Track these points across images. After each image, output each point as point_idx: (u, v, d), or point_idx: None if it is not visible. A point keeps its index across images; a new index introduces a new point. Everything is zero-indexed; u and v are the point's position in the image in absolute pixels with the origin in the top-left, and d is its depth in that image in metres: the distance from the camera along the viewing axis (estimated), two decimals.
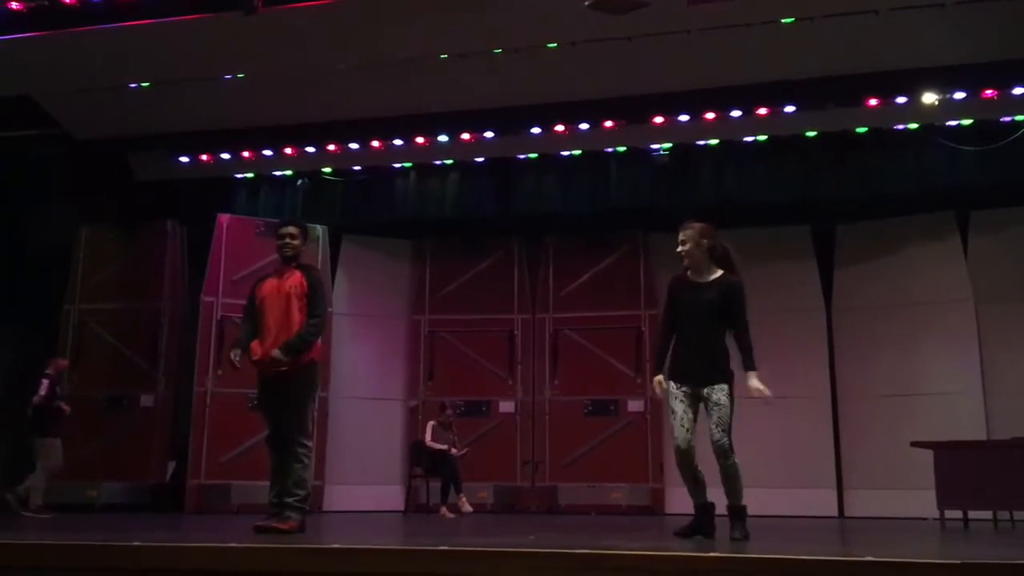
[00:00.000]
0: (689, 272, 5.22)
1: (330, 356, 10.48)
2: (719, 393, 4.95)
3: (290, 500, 5.35)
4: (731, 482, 5.00)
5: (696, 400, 5.02)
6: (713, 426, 4.92)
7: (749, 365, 5.04)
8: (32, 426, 8.59)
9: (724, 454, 4.91)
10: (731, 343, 5.12)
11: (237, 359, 5.50)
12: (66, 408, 8.76)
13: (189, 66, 9.17)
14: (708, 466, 5.09)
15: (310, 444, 5.54)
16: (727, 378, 5.01)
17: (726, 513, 5.08)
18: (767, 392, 4.95)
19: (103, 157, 10.72)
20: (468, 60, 9.04)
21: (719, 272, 5.19)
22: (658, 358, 5.32)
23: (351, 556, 3.72)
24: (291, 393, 5.39)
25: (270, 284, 5.57)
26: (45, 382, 8.60)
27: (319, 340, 5.57)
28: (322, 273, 5.78)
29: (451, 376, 11.17)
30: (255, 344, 5.45)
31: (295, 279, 5.51)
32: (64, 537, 4.32)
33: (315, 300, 5.49)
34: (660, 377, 5.16)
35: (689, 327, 5.11)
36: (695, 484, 5.09)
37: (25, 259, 11.11)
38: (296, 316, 5.42)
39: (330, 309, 5.67)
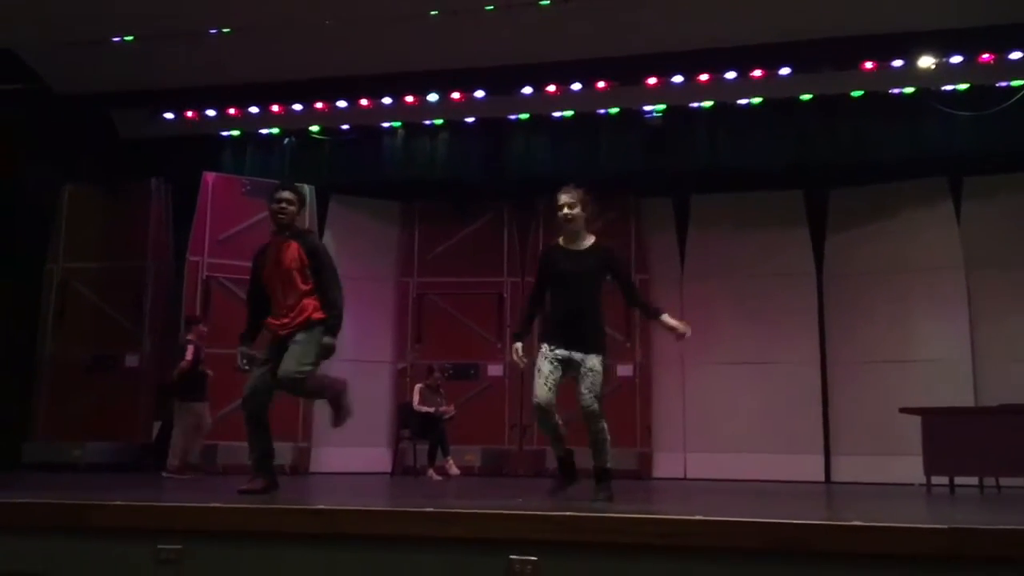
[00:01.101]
0: (562, 239, 5.20)
1: None
2: (594, 360, 4.98)
3: (256, 457, 5.33)
4: (599, 446, 5.09)
5: (567, 364, 5.02)
6: (585, 391, 4.95)
7: (656, 311, 5.13)
8: (177, 391, 8.64)
9: (594, 418, 4.97)
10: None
11: (245, 365, 5.40)
12: (210, 372, 8.84)
13: (174, 20, 8.98)
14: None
15: (304, 380, 5.29)
16: (602, 348, 5.05)
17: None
18: (683, 327, 5.01)
19: (87, 113, 10.54)
20: (459, 17, 8.88)
21: (592, 239, 5.18)
22: (523, 326, 5.32)
23: (336, 517, 3.68)
24: (297, 340, 5.20)
25: (270, 262, 5.36)
26: (190, 348, 8.62)
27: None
28: (316, 240, 5.57)
29: (439, 339, 11.12)
30: (270, 320, 5.34)
31: (292, 251, 5.30)
32: (46, 496, 4.27)
33: (320, 269, 5.31)
34: (519, 345, 5.17)
35: (567, 294, 5.11)
36: (557, 438, 5.18)
37: (7, 217, 10.95)
38: (302, 288, 5.27)
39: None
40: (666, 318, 5.05)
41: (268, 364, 5.28)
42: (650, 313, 5.19)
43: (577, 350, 5.00)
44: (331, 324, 5.23)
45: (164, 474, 8.37)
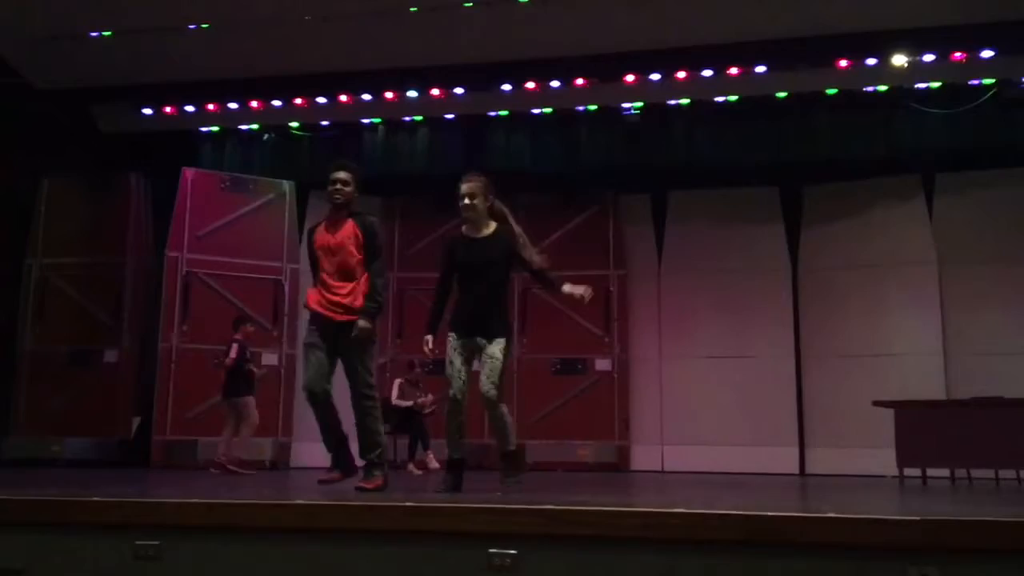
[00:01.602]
0: (464, 228, 5.28)
1: (297, 313, 10.42)
2: (495, 347, 5.06)
3: (371, 457, 5.24)
4: (501, 431, 5.19)
5: (473, 352, 5.14)
6: (484, 377, 5.04)
7: (559, 281, 5.25)
8: (225, 388, 8.69)
9: (493, 404, 5.05)
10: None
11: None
12: (255, 370, 8.94)
13: (153, 15, 8.94)
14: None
15: (376, 394, 5.34)
16: (506, 330, 5.14)
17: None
18: (585, 290, 5.14)
19: (66, 108, 10.48)
20: (438, 14, 8.91)
21: (494, 225, 5.26)
22: (432, 318, 5.34)
23: (314, 511, 3.70)
24: (355, 346, 5.15)
25: (323, 236, 5.33)
26: (235, 346, 8.65)
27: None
28: (375, 221, 5.49)
29: (420, 333, 11.09)
30: (313, 294, 5.28)
31: (348, 229, 5.28)
32: (25, 492, 4.27)
33: (372, 249, 5.27)
34: (429, 337, 5.21)
35: (469, 283, 5.19)
36: (459, 436, 5.22)
37: None
38: (355, 266, 5.24)
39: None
40: (567, 287, 5.17)
41: (324, 353, 5.18)
42: (553, 286, 5.29)
43: (480, 336, 5.09)
44: (370, 309, 5.19)
45: (212, 470, 8.44)
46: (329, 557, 3.58)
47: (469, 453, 10.63)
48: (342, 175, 5.33)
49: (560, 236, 10.98)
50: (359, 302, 5.18)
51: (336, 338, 5.17)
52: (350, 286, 5.21)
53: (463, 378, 5.08)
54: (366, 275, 5.24)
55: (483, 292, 5.15)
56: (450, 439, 5.22)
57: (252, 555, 3.63)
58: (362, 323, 5.14)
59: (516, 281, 10.95)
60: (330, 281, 5.24)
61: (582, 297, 5.14)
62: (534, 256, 5.27)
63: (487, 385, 5.02)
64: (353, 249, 5.24)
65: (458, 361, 5.09)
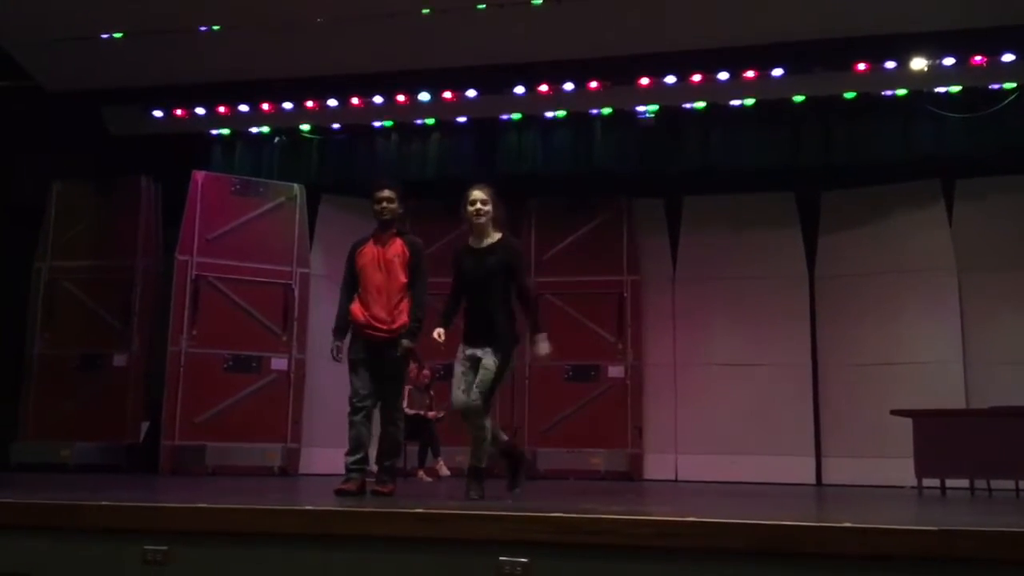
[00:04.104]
0: (471, 239, 5.36)
1: (307, 318, 10.38)
2: (489, 357, 5.13)
3: (388, 464, 5.47)
4: (477, 443, 5.21)
5: (476, 363, 5.18)
6: (474, 386, 5.10)
7: (534, 328, 5.32)
8: None
9: (477, 414, 5.10)
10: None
11: (338, 352, 5.54)
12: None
13: (164, 17, 8.93)
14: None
15: (403, 410, 5.71)
16: (504, 343, 5.18)
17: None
18: (547, 352, 5.27)
19: (76, 110, 10.45)
20: (451, 16, 8.86)
21: (499, 235, 5.31)
22: (445, 315, 5.48)
23: (324, 518, 3.65)
24: (394, 360, 5.43)
25: (370, 251, 5.53)
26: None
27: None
28: (422, 244, 5.73)
29: (429, 338, 11.03)
30: (356, 307, 5.46)
31: (396, 247, 5.49)
32: (34, 496, 4.22)
33: (418, 272, 5.51)
34: (441, 329, 5.33)
35: (471, 294, 5.29)
36: (484, 440, 5.30)
37: None
38: (402, 281, 5.46)
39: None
40: (540, 340, 5.27)
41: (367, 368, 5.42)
42: (532, 327, 5.37)
43: (480, 347, 5.17)
44: (412, 328, 5.44)
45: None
46: (338, 564, 3.54)
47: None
48: (387, 193, 5.53)
49: (573, 241, 10.90)
50: (402, 319, 5.42)
51: (379, 353, 5.40)
52: (395, 303, 5.42)
53: (462, 388, 5.16)
54: (410, 294, 5.47)
55: (481, 302, 5.24)
56: (481, 445, 5.28)
57: (260, 561, 3.60)
58: (405, 342, 5.40)
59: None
60: (376, 297, 5.42)
61: (546, 356, 5.30)
62: (526, 281, 5.39)
63: (474, 393, 5.10)
64: (400, 267, 5.45)
65: (459, 371, 5.22)
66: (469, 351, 5.21)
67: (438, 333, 5.30)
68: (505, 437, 5.65)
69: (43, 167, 10.68)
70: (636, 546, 3.30)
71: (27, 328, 10.37)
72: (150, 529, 3.69)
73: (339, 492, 5.30)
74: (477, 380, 5.10)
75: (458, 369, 5.22)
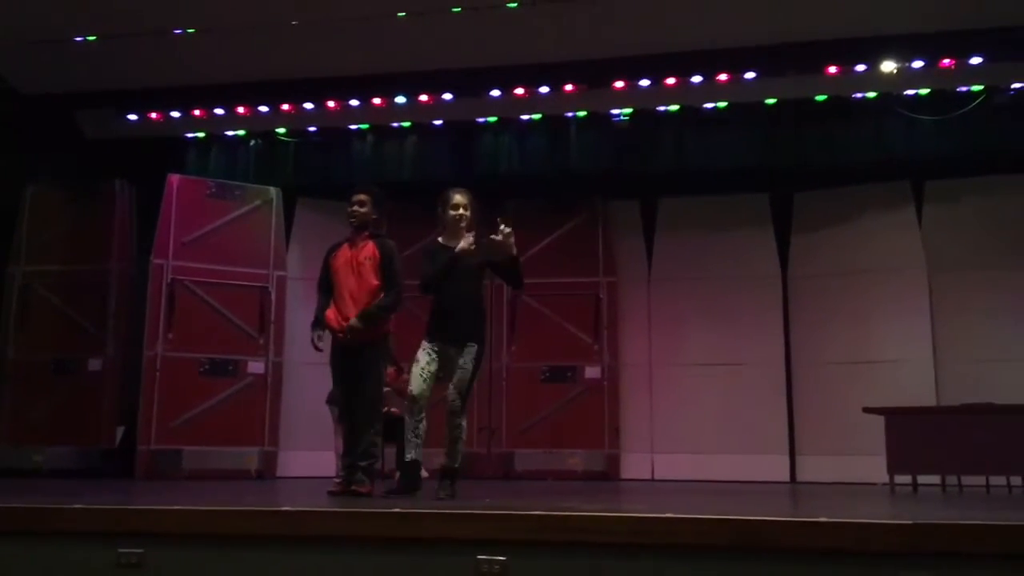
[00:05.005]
0: (443, 237, 5.45)
1: (284, 321, 10.34)
2: (467, 356, 5.17)
3: (363, 464, 5.47)
4: (454, 443, 5.22)
5: (445, 358, 5.21)
6: (452, 386, 5.15)
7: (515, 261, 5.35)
8: None
9: (455, 414, 5.15)
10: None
11: (319, 340, 5.61)
12: None
13: (138, 20, 8.88)
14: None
15: (381, 412, 5.70)
16: (478, 340, 5.24)
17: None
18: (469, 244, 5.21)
19: (50, 113, 10.38)
20: (426, 19, 8.87)
21: (470, 236, 5.38)
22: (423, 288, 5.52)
23: (299, 519, 3.65)
24: (367, 362, 5.49)
25: (343, 254, 5.62)
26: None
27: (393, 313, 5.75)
28: (394, 246, 5.83)
29: (408, 341, 10.96)
30: (331, 312, 5.54)
31: (368, 250, 5.57)
32: (6, 500, 4.19)
33: (389, 272, 5.57)
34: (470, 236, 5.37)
35: (447, 289, 5.30)
36: (417, 438, 5.29)
37: None
38: (373, 284, 5.52)
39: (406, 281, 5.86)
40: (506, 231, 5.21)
41: (342, 378, 5.58)
42: (518, 276, 5.41)
43: (455, 343, 5.20)
44: (369, 312, 5.47)
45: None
46: (315, 565, 3.54)
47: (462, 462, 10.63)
48: (359, 196, 5.68)
49: (549, 243, 10.93)
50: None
51: (352, 355, 5.49)
52: (366, 306, 5.48)
53: (424, 377, 5.18)
54: (381, 296, 5.54)
55: (460, 300, 5.28)
56: (407, 442, 5.25)
57: (237, 563, 3.59)
58: (353, 322, 5.41)
59: (504, 288, 10.96)
60: (348, 300, 5.50)
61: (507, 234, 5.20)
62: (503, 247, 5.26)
63: (453, 394, 5.13)
64: (371, 269, 5.53)
65: (423, 360, 5.20)
66: (437, 345, 5.24)
67: (468, 241, 5.29)
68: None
69: (16, 170, 10.56)
70: (613, 543, 3.33)
71: (0, 333, 10.26)
72: (125, 532, 3.67)
73: (332, 493, 5.43)
74: (455, 380, 5.13)
75: (423, 358, 5.21)
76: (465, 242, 5.25)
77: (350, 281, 5.54)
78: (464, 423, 5.21)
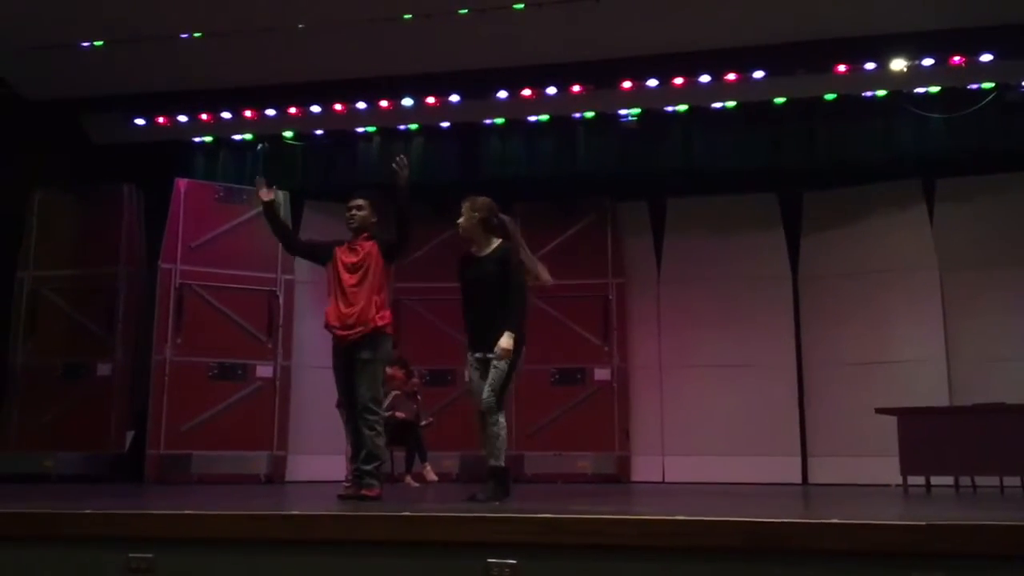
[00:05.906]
0: (473, 248, 5.56)
1: (293, 325, 10.34)
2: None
3: (368, 468, 5.46)
4: (491, 441, 5.25)
5: (486, 365, 5.30)
6: (487, 386, 5.23)
7: (505, 324, 5.27)
8: None
9: (490, 413, 5.22)
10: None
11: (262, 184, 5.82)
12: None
13: (144, 24, 8.89)
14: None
15: (381, 409, 5.65)
16: (513, 345, 5.26)
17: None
18: (505, 351, 5.20)
19: (57, 119, 10.40)
20: (433, 21, 8.86)
21: (497, 242, 5.50)
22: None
23: (309, 523, 3.63)
24: (364, 362, 5.47)
25: (343, 253, 5.66)
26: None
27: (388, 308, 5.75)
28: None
29: (416, 344, 11.02)
30: (329, 310, 5.56)
31: (366, 248, 5.62)
32: (17, 506, 4.18)
33: (394, 241, 5.70)
34: (469, 354, 5.49)
35: (475, 298, 5.43)
36: (495, 444, 5.36)
37: None
38: (372, 284, 5.54)
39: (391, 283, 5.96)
40: (504, 337, 5.19)
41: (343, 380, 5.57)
42: (504, 323, 5.32)
43: (488, 350, 5.28)
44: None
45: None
46: (325, 568, 3.52)
47: (467, 464, 10.66)
48: (357, 201, 5.72)
49: (557, 244, 10.90)
50: (374, 323, 5.47)
51: (350, 355, 5.50)
52: (362, 305, 5.47)
53: (475, 391, 5.33)
54: (381, 295, 5.58)
55: (487, 307, 5.36)
56: (496, 450, 5.31)
57: (247, 567, 3.58)
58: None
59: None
60: (345, 299, 5.53)
61: (503, 354, 5.20)
62: (516, 280, 5.37)
63: (487, 393, 5.22)
64: (372, 267, 5.55)
65: (474, 377, 5.38)
66: (478, 355, 5.37)
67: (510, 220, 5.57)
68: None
69: (25, 176, 10.59)
70: (624, 545, 3.30)
71: (9, 338, 10.28)
72: (135, 537, 3.66)
73: (342, 497, 5.45)
74: (489, 380, 5.22)
75: (473, 376, 5.40)
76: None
77: (348, 280, 5.55)
78: (502, 420, 5.26)
